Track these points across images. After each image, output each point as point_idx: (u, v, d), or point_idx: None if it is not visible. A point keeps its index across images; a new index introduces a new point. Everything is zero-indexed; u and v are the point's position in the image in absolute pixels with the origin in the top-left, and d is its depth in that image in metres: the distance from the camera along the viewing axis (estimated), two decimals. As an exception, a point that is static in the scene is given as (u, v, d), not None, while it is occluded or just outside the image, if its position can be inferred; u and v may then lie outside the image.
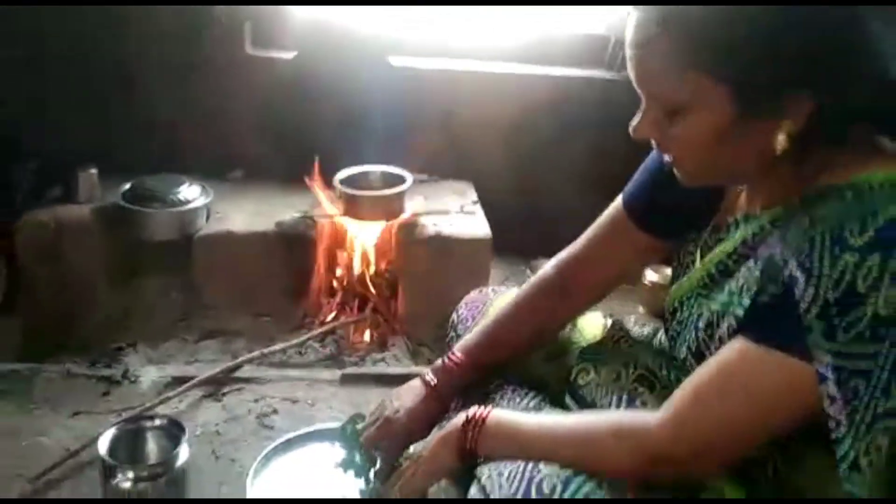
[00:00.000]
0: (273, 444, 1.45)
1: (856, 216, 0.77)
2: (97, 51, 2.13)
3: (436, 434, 1.09)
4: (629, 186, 1.14)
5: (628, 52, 0.86)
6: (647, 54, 0.84)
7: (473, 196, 2.24)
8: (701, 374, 0.87)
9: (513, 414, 1.03)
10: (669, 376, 1.06)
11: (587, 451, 0.91)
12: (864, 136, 0.85)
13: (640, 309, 2.22)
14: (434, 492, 1.28)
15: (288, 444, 1.47)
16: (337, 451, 1.45)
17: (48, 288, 1.92)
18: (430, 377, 1.23)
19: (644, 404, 1.07)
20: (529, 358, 1.25)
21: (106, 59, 2.15)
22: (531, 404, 1.16)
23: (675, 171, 0.94)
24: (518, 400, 1.18)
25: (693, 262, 1.02)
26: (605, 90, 2.37)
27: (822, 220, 0.79)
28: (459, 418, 1.02)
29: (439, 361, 1.24)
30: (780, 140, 0.83)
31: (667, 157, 0.93)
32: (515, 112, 2.37)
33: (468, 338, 1.24)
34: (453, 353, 1.23)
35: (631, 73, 0.87)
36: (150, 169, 2.09)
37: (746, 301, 0.85)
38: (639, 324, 1.35)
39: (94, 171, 1.99)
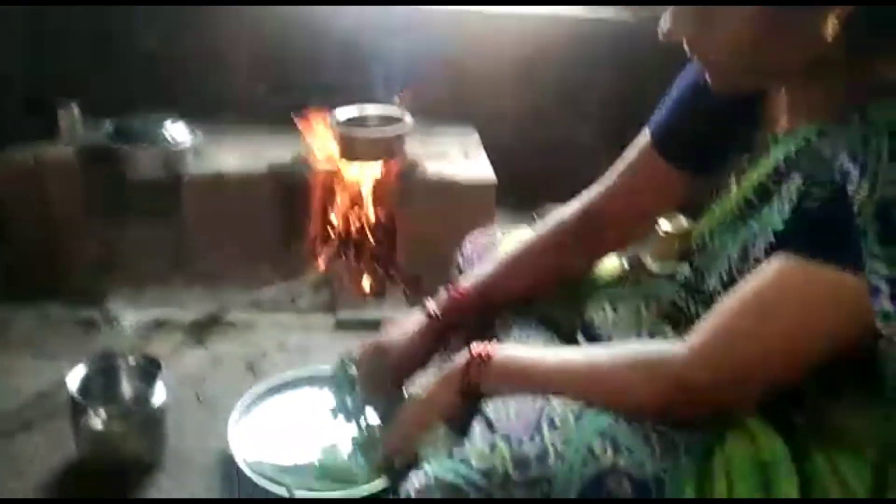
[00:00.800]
0: (259, 386, 1.37)
1: None
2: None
3: (434, 375, 0.99)
4: (655, 115, 1.03)
5: None
6: None
7: (477, 140, 2.13)
8: (734, 295, 0.76)
9: (519, 349, 0.93)
10: (696, 310, 0.96)
11: (602, 384, 0.82)
12: None
13: (649, 258, 2.11)
14: (431, 441, 1.20)
15: (275, 388, 1.39)
16: (328, 396, 1.37)
17: (29, 228, 1.84)
18: (432, 307, 1.12)
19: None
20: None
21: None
22: (539, 343, 1.07)
23: (708, 78, 0.83)
24: (525, 338, 1.08)
25: (728, 189, 0.91)
26: (617, 31, 2.25)
27: (877, 117, 0.69)
28: (461, 356, 0.93)
29: (443, 293, 1.14)
30: (832, 24, 0.71)
31: (700, 61, 0.82)
32: (524, 55, 2.26)
33: (479, 271, 1.13)
34: (459, 285, 1.13)
35: None
36: (136, 108, 2.00)
37: (787, 212, 0.75)
38: (657, 263, 1.25)
39: (74, 107, 1.89)
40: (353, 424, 1.29)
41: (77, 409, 1.17)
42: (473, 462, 0.76)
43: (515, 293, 1.12)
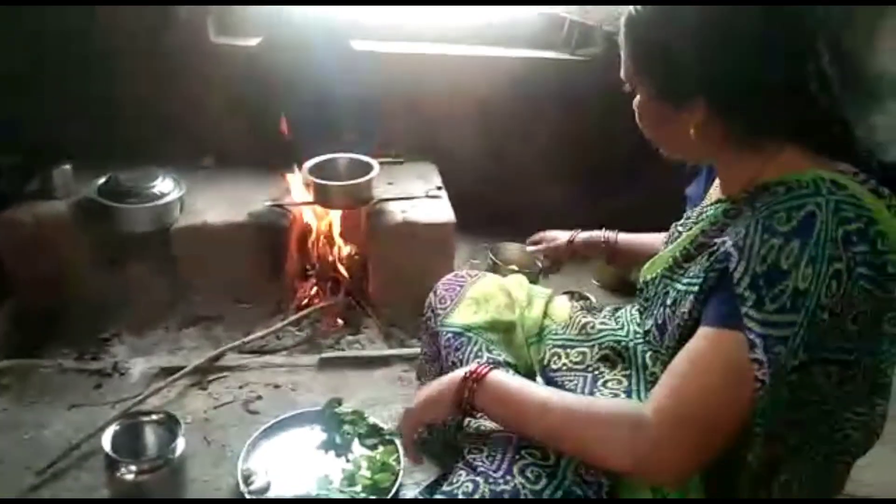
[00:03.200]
0: (259, 430, 1.59)
1: (784, 208, 0.94)
2: (67, 46, 2.16)
3: (435, 380, 1.18)
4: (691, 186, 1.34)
5: None
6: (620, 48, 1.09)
7: (437, 179, 2.34)
8: (674, 367, 0.98)
9: (511, 378, 1.12)
10: (635, 350, 1.23)
11: (577, 434, 1.00)
12: (803, 147, 1.01)
13: (594, 281, 2.38)
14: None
15: (272, 429, 1.61)
16: (317, 434, 1.61)
17: (33, 282, 2.00)
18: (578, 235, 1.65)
19: (605, 384, 1.22)
20: (516, 339, 1.41)
21: (75, 55, 2.18)
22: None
23: None
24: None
25: (676, 240, 1.19)
26: (565, 70, 2.48)
27: (759, 210, 0.97)
28: (459, 372, 1.13)
29: (597, 233, 1.61)
30: (691, 131, 1.03)
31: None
32: (478, 93, 2.47)
33: (628, 238, 1.57)
34: (611, 232, 1.59)
35: None
36: (122, 159, 2.14)
37: (700, 280, 1.01)
38: (597, 305, 1.51)
39: (68, 166, 2.05)
40: (342, 457, 1.54)
41: (112, 464, 1.38)
42: (461, 497, 1.02)
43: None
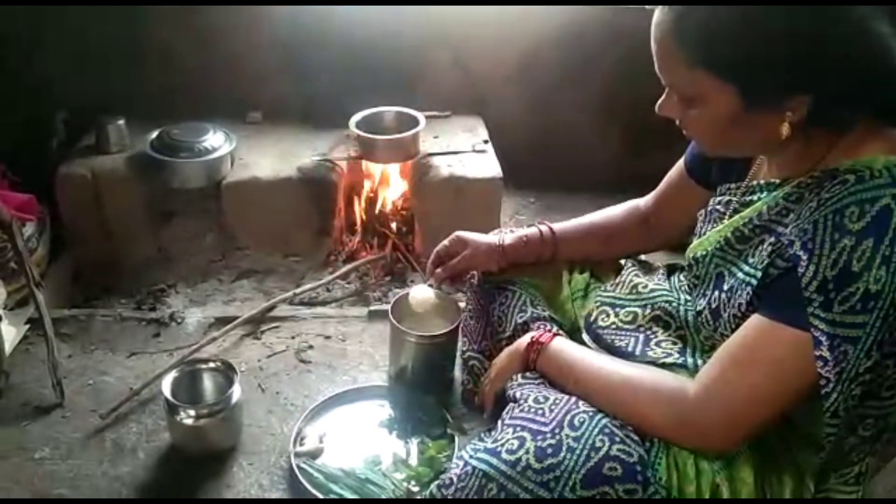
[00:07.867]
0: (330, 394, 1.58)
1: (856, 201, 0.89)
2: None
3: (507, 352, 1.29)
4: (688, 150, 1.29)
5: (652, 44, 0.98)
6: (663, 51, 0.96)
7: (484, 133, 2.31)
8: (727, 349, 0.99)
9: (570, 346, 1.20)
10: (686, 317, 1.21)
11: (626, 405, 1.05)
12: (869, 118, 0.95)
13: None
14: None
15: (346, 395, 1.58)
16: (386, 410, 1.57)
17: (90, 235, 2.05)
18: (504, 238, 1.44)
19: (658, 344, 1.21)
20: (560, 294, 1.42)
21: (121, 9, 2.19)
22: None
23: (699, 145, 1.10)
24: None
25: (721, 218, 1.14)
26: (614, 24, 2.40)
27: (827, 202, 0.91)
28: (525, 339, 1.23)
29: (531, 229, 1.44)
30: (784, 128, 0.95)
31: (687, 135, 1.07)
32: (525, 47, 2.41)
33: (560, 224, 1.44)
34: (544, 224, 1.43)
35: (655, 61, 0.99)
36: (171, 114, 2.16)
37: (761, 271, 0.98)
38: (652, 262, 1.48)
39: (122, 121, 2.08)
40: (402, 441, 1.50)
41: (172, 409, 1.43)
42: (503, 455, 1.01)
43: (579, 253, 1.43)
